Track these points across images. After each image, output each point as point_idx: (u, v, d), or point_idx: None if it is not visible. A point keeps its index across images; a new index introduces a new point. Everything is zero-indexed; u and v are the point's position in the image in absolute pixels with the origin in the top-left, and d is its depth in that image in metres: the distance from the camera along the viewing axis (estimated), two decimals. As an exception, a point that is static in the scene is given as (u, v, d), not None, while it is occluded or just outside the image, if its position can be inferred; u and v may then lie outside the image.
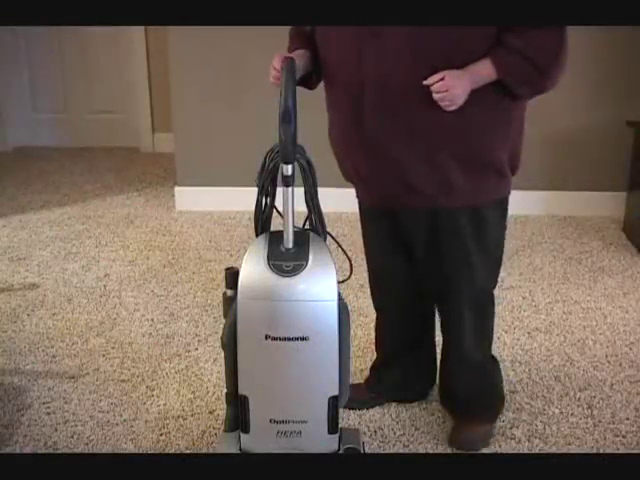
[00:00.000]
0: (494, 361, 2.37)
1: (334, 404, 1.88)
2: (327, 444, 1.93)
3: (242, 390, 1.88)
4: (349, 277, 2.01)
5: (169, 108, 4.19)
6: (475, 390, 2.30)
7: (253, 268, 1.81)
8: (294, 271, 1.78)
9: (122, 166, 5.06)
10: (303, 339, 1.79)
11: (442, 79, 1.83)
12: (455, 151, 1.95)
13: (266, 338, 1.80)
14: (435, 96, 1.85)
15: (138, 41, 5.10)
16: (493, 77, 1.89)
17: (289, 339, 1.79)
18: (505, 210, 2.15)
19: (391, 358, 2.44)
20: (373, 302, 2.42)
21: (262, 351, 1.82)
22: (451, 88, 1.84)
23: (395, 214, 2.12)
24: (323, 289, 1.79)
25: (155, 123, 5.32)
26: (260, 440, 1.92)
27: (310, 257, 1.81)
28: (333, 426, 1.90)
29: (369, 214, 2.25)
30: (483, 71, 1.88)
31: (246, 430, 1.92)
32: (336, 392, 1.87)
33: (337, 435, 1.93)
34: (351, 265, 2.02)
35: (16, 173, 4.88)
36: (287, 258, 1.81)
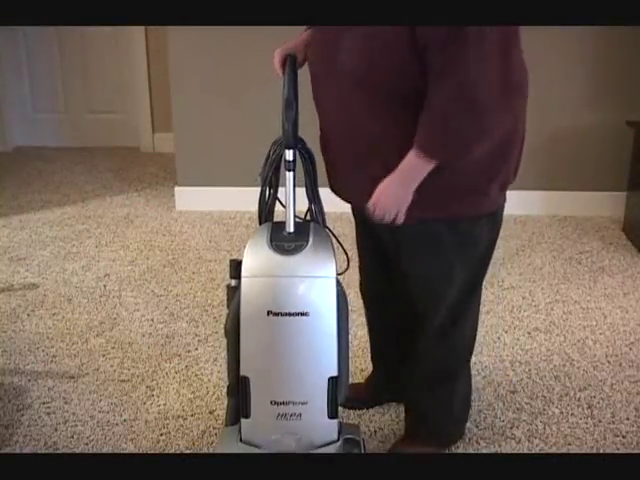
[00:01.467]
0: (464, 381, 2.22)
1: (334, 385, 1.90)
2: (327, 429, 1.95)
3: (243, 371, 1.91)
4: (347, 269, 2.04)
5: (169, 108, 4.19)
6: (424, 406, 2.20)
7: (256, 249, 1.89)
8: (295, 250, 1.87)
9: (122, 166, 5.05)
10: (303, 314, 1.84)
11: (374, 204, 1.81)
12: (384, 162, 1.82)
13: (268, 314, 1.85)
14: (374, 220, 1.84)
15: (138, 41, 5.09)
16: (430, 164, 1.72)
17: (290, 314, 1.84)
18: (494, 224, 1.98)
19: (379, 356, 2.44)
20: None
21: (264, 328, 1.86)
22: (377, 205, 1.81)
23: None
24: (322, 266, 1.86)
25: (155, 123, 5.31)
26: (260, 425, 1.95)
27: (310, 239, 1.89)
28: (333, 410, 1.93)
29: (353, 212, 2.21)
30: (410, 165, 1.74)
31: (247, 414, 1.94)
32: (335, 373, 1.90)
33: (337, 421, 1.96)
34: (348, 259, 2.04)
35: (16, 173, 4.88)
36: (289, 240, 1.89)
